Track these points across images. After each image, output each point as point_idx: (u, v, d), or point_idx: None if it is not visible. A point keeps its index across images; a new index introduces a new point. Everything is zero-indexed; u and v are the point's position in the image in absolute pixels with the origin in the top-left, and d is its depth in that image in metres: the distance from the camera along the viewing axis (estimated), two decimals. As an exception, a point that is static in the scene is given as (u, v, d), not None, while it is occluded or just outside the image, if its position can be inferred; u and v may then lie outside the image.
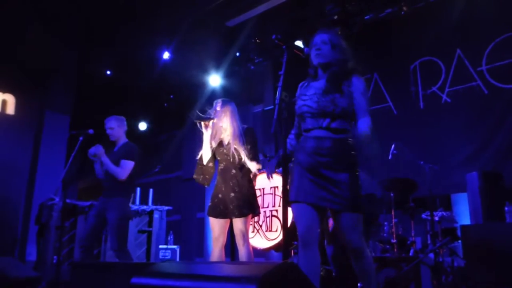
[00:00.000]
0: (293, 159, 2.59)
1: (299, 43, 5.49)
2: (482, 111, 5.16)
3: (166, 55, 7.30)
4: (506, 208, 4.36)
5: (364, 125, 2.47)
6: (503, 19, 5.10)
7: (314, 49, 2.51)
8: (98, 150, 4.05)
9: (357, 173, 2.47)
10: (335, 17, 6.09)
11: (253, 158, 3.37)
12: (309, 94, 2.54)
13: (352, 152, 2.48)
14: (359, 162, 2.52)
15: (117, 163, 4.07)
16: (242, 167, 3.43)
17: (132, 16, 6.44)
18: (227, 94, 7.27)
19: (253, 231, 4.94)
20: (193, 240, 8.21)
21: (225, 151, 3.44)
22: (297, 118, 2.63)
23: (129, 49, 7.27)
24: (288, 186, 2.39)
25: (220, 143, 3.47)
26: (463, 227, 4.29)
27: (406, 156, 4.51)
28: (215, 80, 7.76)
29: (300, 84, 2.68)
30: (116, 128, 4.25)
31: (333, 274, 3.78)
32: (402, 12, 5.81)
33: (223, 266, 1.71)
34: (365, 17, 6.05)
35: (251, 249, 3.39)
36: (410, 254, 4.38)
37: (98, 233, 4.13)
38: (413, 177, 4.61)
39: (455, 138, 5.22)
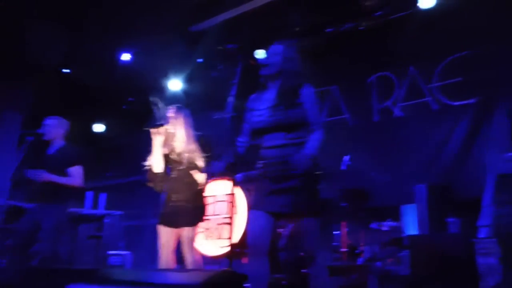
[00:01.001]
0: (244, 166, 2.63)
1: (261, 53, 5.56)
2: (432, 126, 5.39)
3: (127, 57, 7.20)
4: (450, 220, 4.58)
5: (313, 143, 2.50)
6: (455, 39, 5.35)
7: (265, 60, 2.57)
8: (41, 177, 3.85)
9: (316, 179, 2.52)
10: (297, 28, 6.21)
11: (204, 166, 3.38)
12: (261, 109, 2.58)
13: (310, 160, 2.53)
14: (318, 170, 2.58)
15: (57, 168, 3.91)
16: (196, 175, 3.43)
17: (94, 15, 6.32)
18: (189, 100, 7.23)
19: (205, 239, 4.93)
20: (148, 246, 8.06)
21: (177, 158, 3.43)
22: (251, 131, 2.66)
23: (89, 48, 7.12)
24: (242, 194, 2.43)
25: (173, 151, 3.46)
26: (410, 237, 4.45)
27: (359, 167, 4.64)
28: (176, 84, 7.70)
29: (251, 97, 2.72)
30: (53, 127, 4.09)
31: (283, 282, 3.83)
32: (362, 28, 5.99)
33: (164, 273, 1.71)
34: (327, 30, 6.19)
35: (197, 256, 3.39)
36: (359, 263, 4.50)
37: (31, 239, 3.91)
38: (365, 187, 4.74)
39: (406, 151, 5.41)
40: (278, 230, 3.89)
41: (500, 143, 4.67)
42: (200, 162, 3.37)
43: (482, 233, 3.53)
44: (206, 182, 3.56)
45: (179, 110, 3.47)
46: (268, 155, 2.51)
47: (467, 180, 4.96)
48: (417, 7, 5.31)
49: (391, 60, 5.78)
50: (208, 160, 3.40)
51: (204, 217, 3.49)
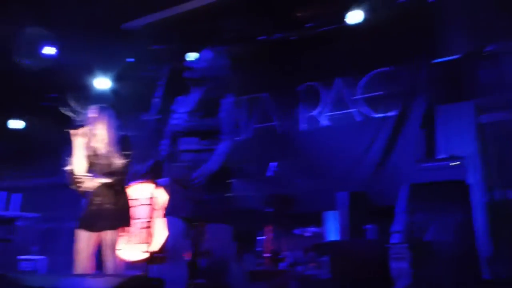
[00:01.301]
0: (167, 171, 2.60)
1: (192, 56, 5.52)
2: (355, 136, 5.64)
3: (51, 51, 6.81)
4: (368, 226, 4.81)
5: (217, 157, 2.51)
6: (378, 54, 5.66)
7: (192, 63, 2.56)
8: None
9: (226, 187, 2.54)
10: (230, 34, 6.24)
11: (126, 168, 3.29)
12: (180, 112, 2.58)
13: (225, 166, 2.55)
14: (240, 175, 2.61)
15: None
16: (119, 176, 3.32)
17: (17, 3, 5.93)
18: (117, 100, 6.99)
19: (125, 243, 4.77)
20: (67, 250, 7.66)
21: (100, 160, 3.31)
22: (170, 134, 2.65)
23: (8, 39, 6.66)
24: (161, 198, 2.40)
25: (95, 152, 3.33)
26: (331, 243, 4.63)
27: (285, 174, 4.75)
28: (102, 83, 7.40)
29: (176, 99, 2.71)
30: None
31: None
32: (293, 38, 6.15)
33: (75, 279, 1.63)
34: (259, 38, 6.28)
35: (118, 261, 3.29)
36: (281, 268, 4.59)
37: None
38: (290, 194, 4.86)
39: (330, 160, 5.62)
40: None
41: (414, 153, 5.01)
42: (122, 164, 3.27)
43: (395, 239, 3.75)
44: (129, 185, 3.47)
45: (102, 110, 3.35)
46: (182, 159, 2.51)
47: (385, 188, 5.24)
48: (345, 22, 5.54)
49: (319, 71, 5.99)
50: (130, 162, 3.31)
51: (130, 221, 3.40)
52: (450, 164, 4.08)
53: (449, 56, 5.00)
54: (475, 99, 4.89)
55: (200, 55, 2.57)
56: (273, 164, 4.66)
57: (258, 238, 4.81)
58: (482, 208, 4.29)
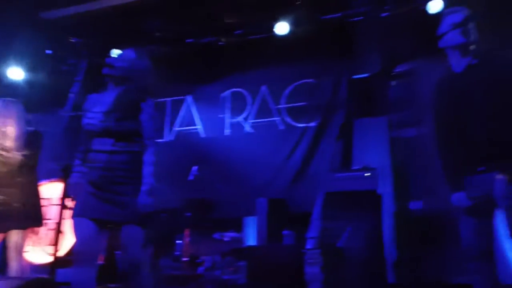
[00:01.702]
0: (77, 171, 2.49)
1: (114, 52, 5.33)
2: (278, 144, 5.77)
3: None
4: (286, 232, 4.93)
5: (147, 159, 2.46)
6: (303, 66, 5.87)
7: (112, 60, 2.49)
8: None
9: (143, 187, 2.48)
10: (158, 34, 6.13)
11: (35, 165, 3.11)
12: (94, 111, 2.49)
13: (138, 168, 2.49)
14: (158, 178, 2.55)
15: None
16: (28, 174, 3.13)
17: None
18: (31, 92, 6.54)
19: (32, 245, 4.49)
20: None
21: (6, 156, 3.08)
22: (84, 133, 2.55)
23: None
24: (71, 199, 2.29)
25: (2, 148, 3.10)
26: (248, 248, 4.69)
27: (207, 178, 4.74)
28: (16, 73, 6.88)
29: (89, 96, 2.61)
30: None
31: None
32: (222, 43, 6.18)
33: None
34: (187, 40, 6.24)
35: (24, 264, 3.08)
36: (200, 272, 4.57)
37: None
38: (210, 198, 4.85)
39: (252, 166, 5.70)
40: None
41: (331, 163, 5.24)
42: (30, 161, 3.08)
43: (309, 245, 3.88)
44: (41, 184, 3.27)
45: (7, 104, 3.13)
46: (95, 159, 2.43)
47: (303, 195, 5.43)
48: (273, 32, 5.67)
49: (245, 78, 6.07)
50: (40, 159, 3.13)
51: (42, 221, 3.21)
52: (363, 174, 4.31)
53: (366, 73, 5.32)
54: (388, 115, 5.23)
55: (122, 53, 2.50)
56: (194, 168, 4.63)
57: (176, 242, 4.74)
58: (390, 217, 4.58)
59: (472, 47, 2.50)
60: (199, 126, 6.19)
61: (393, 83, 5.27)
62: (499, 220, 2.41)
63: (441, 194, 2.73)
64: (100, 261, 2.59)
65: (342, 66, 5.70)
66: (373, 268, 4.08)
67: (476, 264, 2.48)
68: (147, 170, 2.43)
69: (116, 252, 3.60)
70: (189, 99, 6.32)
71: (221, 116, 6.09)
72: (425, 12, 5.01)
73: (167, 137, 6.23)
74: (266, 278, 4.31)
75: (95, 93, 2.58)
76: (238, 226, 5.40)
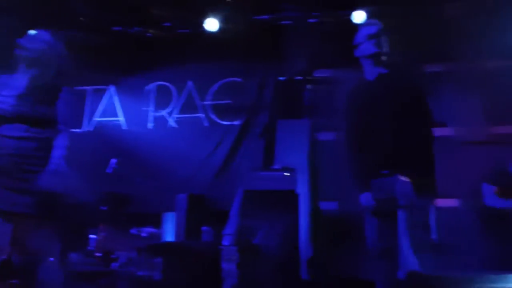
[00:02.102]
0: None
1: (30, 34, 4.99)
2: (201, 141, 5.76)
3: None
4: (204, 228, 4.94)
5: (59, 143, 2.36)
6: (231, 64, 5.89)
7: (25, 41, 2.35)
8: None
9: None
10: (83, 19, 5.84)
11: None
12: (5, 95, 2.34)
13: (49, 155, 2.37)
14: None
15: None
16: None
17: None
18: None
19: None
20: None
21: None
22: None
23: None
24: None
25: None
26: (165, 244, 4.63)
27: (126, 172, 4.60)
28: None
29: None
30: None
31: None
32: (150, 34, 6.03)
33: None
34: (113, 28, 6.01)
35: None
36: (113, 268, 4.42)
37: None
38: (129, 192, 4.72)
39: (175, 161, 5.63)
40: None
41: (253, 162, 5.33)
42: None
43: (226, 241, 3.93)
44: None
45: None
46: (4, 146, 2.28)
47: (224, 193, 5.47)
48: (203, 28, 5.64)
49: (172, 72, 5.98)
50: None
51: None
52: (283, 174, 4.43)
53: (291, 76, 5.48)
54: (310, 118, 5.43)
55: (36, 34, 2.35)
56: (113, 161, 4.47)
57: (90, 236, 4.56)
58: (306, 216, 4.75)
59: (383, 57, 2.68)
60: (121, 118, 5.99)
61: (316, 87, 5.48)
62: (400, 220, 2.60)
63: (353, 196, 2.88)
64: (3, 256, 2.42)
65: (269, 67, 5.81)
66: (288, 265, 4.22)
67: (378, 262, 2.66)
68: (57, 152, 2.33)
69: (20, 245, 3.38)
70: (111, 89, 6.10)
71: (145, 109, 5.95)
72: (350, 21, 5.27)
73: (86, 127, 5.96)
74: (182, 275, 4.28)
75: (4, 76, 2.41)
76: (156, 222, 5.31)
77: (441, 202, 5.38)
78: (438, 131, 5.56)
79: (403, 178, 2.49)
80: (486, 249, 4.05)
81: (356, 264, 4.84)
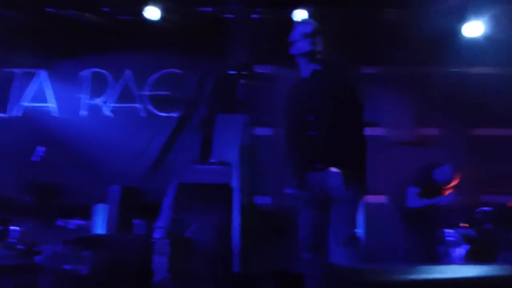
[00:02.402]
0: None
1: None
2: (137, 132, 5.62)
3: None
4: (137, 221, 4.83)
5: None
6: (171, 55, 5.78)
7: None
8: None
9: None
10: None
11: None
12: None
13: None
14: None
15: None
16: None
17: None
18: None
19: None
20: None
21: None
22: None
23: None
24: None
25: None
26: (94, 236, 4.48)
27: (54, 161, 4.39)
28: None
29: None
30: None
31: None
32: (85, 18, 5.76)
33: None
34: (46, 9, 5.68)
35: None
36: (36, 261, 4.21)
37: None
38: (57, 183, 4.51)
39: (109, 152, 5.46)
40: None
41: (190, 155, 5.27)
42: None
43: (158, 234, 3.86)
44: None
45: None
46: None
47: (159, 185, 5.37)
48: (144, 16, 5.48)
49: (109, 59, 5.77)
50: None
51: None
52: (219, 168, 4.43)
53: (232, 70, 5.47)
54: (247, 114, 5.46)
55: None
56: (40, 149, 4.24)
57: (11, 228, 4.31)
58: (240, 210, 4.78)
59: (318, 55, 2.75)
60: (51, 104, 5.69)
61: (255, 83, 5.51)
62: (332, 213, 2.68)
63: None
64: None
65: (209, 60, 5.77)
66: (220, 258, 4.23)
67: (309, 254, 2.72)
68: None
69: None
70: (42, 73, 5.77)
71: (78, 96, 5.69)
72: (291, 19, 5.34)
73: (12, 112, 5.62)
74: (111, 268, 4.16)
75: None
76: (86, 214, 5.12)
77: (371, 198, 5.65)
78: (370, 131, 5.88)
79: (335, 170, 2.57)
80: (409, 244, 4.27)
81: (288, 257, 4.96)
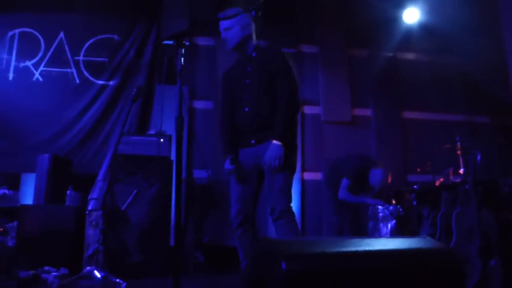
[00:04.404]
0: None
1: None
2: (71, 99, 5.31)
3: None
4: (68, 192, 4.64)
5: None
6: (108, 19, 5.49)
7: None
8: None
9: None
10: None
11: None
12: None
13: None
14: None
15: None
16: None
17: None
18: None
19: None
20: None
21: None
22: None
23: None
24: None
25: None
26: (21, 207, 4.26)
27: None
28: None
29: None
30: None
31: None
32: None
33: None
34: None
35: None
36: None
37: None
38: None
39: (39, 118, 5.14)
40: None
41: (128, 126, 5.12)
42: None
43: (91, 206, 3.75)
44: None
45: None
46: None
47: (94, 156, 5.19)
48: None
49: (42, 19, 5.36)
50: None
51: None
52: (158, 140, 4.34)
53: (172, 39, 5.30)
54: (189, 85, 5.37)
55: None
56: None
57: None
58: (178, 183, 4.74)
59: (249, 41, 2.86)
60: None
61: (195, 54, 5.41)
62: (266, 187, 2.75)
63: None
64: None
65: (150, 28, 5.57)
66: (156, 231, 4.19)
67: (240, 230, 2.78)
68: None
69: None
70: (-35, 30, 5.27)
71: (5, 57, 5.25)
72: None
73: None
74: (39, 240, 4.00)
75: None
76: (14, 183, 4.85)
77: (307, 175, 5.83)
78: (308, 109, 6.03)
79: (276, 142, 2.63)
80: (341, 220, 4.47)
81: (223, 231, 5.03)
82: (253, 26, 2.85)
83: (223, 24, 2.82)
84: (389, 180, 4.48)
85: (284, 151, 2.64)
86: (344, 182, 4.23)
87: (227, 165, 2.82)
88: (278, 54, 2.84)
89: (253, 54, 2.85)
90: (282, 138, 2.66)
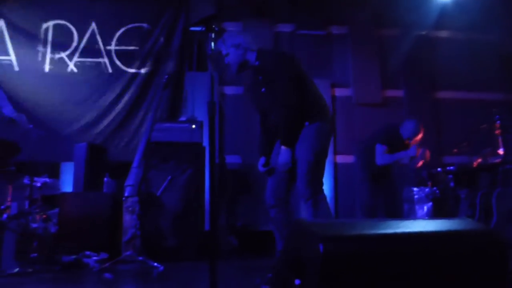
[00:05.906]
0: None
1: None
2: (104, 88, 5.42)
3: None
4: (105, 179, 4.78)
5: None
6: (137, 8, 5.54)
7: None
8: None
9: None
10: None
11: None
12: None
13: None
14: None
15: None
16: None
17: None
18: None
19: None
20: None
21: None
22: None
23: None
24: None
25: None
26: (62, 194, 4.41)
27: (17, 118, 4.22)
28: None
29: None
30: None
31: None
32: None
33: None
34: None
35: None
36: (1, 219, 4.12)
37: None
38: (18, 140, 4.35)
39: (74, 108, 5.28)
40: None
41: (160, 113, 5.20)
42: None
43: (127, 192, 3.84)
44: None
45: None
46: None
47: (128, 143, 5.30)
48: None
49: (73, 10, 5.45)
50: None
51: None
52: (190, 126, 4.39)
53: (200, 27, 5.31)
54: (219, 71, 5.37)
55: None
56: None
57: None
58: (211, 169, 4.79)
59: (249, 62, 2.90)
60: (12, 58, 5.36)
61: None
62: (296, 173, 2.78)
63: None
64: None
65: (178, 14, 5.58)
66: (190, 216, 4.27)
67: (273, 211, 2.81)
68: None
69: None
70: (1, 23, 5.41)
71: (41, 49, 5.39)
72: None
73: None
74: (77, 226, 4.15)
75: None
76: (54, 172, 5.01)
77: (339, 158, 5.78)
78: (339, 92, 5.95)
79: (284, 148, 2.74)
80: (376, 202, 4.41)
81: (256, 216, 5.07)
82: (245, 39, 2.89)
83: (223, 50, 2.89)
84: (422, 134, 4.27)
85: (292, 153, 2.72)
86: (379, 148, 4.14)
87: (260, 166, 2.93)
88: (269, 57, 2.87)
89: (257, 63, 2.87)
90: (288, 140, 2.73)
